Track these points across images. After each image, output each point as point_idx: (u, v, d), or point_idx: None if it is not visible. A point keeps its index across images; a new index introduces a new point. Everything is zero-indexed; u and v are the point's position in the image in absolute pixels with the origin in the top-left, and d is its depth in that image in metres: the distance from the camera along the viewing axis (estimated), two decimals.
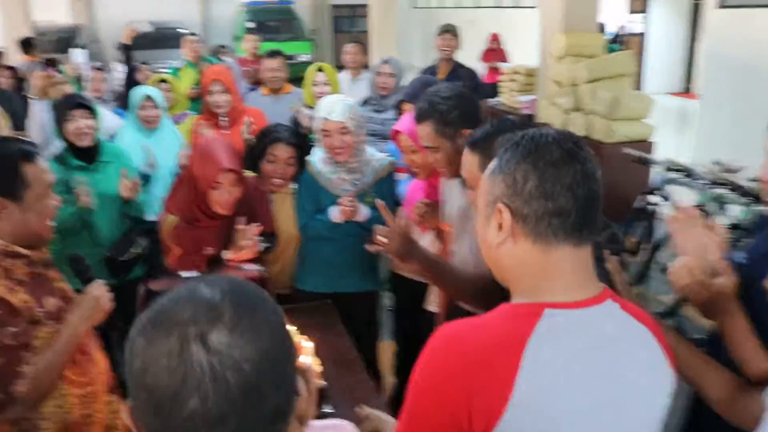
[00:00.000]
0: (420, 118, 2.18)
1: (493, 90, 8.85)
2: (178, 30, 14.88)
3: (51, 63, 3.72)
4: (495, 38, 9.53)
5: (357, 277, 3.04)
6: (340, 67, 5.29)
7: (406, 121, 2.51)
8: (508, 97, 7.63)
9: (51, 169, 2.82)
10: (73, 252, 1.93)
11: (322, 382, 2.12)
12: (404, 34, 16.34)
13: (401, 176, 3.03)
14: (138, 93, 3.75)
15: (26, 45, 7.83)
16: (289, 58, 14.92)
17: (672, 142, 8.17)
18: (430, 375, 1.10)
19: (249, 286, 0.90)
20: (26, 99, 5.10)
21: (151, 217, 3.58)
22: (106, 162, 3.25)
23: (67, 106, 3.13)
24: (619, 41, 14.16)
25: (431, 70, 5.45)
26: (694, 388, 1.53)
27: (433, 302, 2.65)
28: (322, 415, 2.06)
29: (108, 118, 4.14)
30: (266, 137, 2.90)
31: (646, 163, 4.83)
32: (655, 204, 4.81)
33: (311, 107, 3.93)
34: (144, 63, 6.33)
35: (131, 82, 5.24)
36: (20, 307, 1.67)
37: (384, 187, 2.94)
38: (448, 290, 2.18)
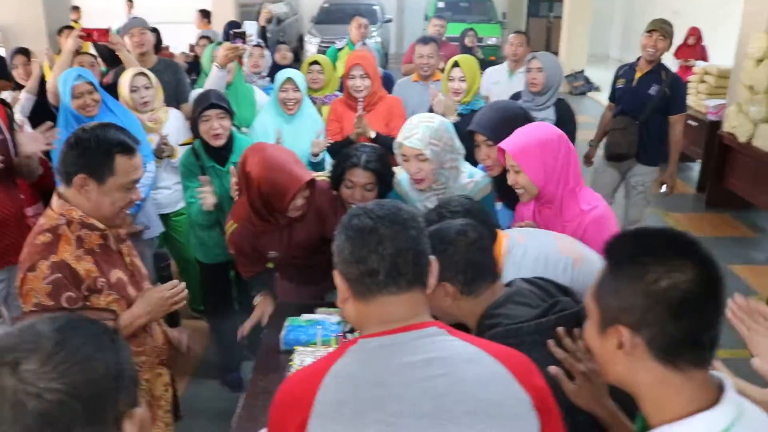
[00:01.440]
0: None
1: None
2: (372, 6, 15.24)
3: (239, 35, 3.88)
4: (694, 33, 8.68)
5: None
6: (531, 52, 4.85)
7: (514, 139, 2.32)
8: (695, 100, 6.91)
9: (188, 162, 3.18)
10: (159, 249, 2.04)
11: None
12: (602, 22, 15.45)
13: (497, 206, 2.85)
14: (281, 75, 3.74)
15: (205, 15, 8.27)
16: (479, 40, 14.75)
17: None
18: None
19: (89, 325, 0.94)
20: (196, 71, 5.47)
21: None
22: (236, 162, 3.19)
23: (202, 106, 3.09)
24: None
25: (631, 68, 4.86)
26: None
27: None
28: None
29: (259, 95, 4.31)
30: (344, 162, 2.67)
31: None
32: None
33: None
34: (282, 42, 6.43)
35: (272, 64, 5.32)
36: (82, 276, 1.82)
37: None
38: None
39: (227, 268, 3.44)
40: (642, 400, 1.14)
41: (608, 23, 16.71)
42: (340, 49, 6.23)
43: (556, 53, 13.57)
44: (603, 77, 11.51)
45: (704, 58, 8.44)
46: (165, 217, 3.80)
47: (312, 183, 2.54)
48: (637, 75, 4.64)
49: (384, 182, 2.69)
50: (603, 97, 6.40)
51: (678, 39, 8.97)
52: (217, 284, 3.51)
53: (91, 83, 3.33)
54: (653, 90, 4.47)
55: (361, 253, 1.23)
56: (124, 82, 3.64)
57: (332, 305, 2.64)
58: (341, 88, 4.44)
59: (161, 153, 3.55)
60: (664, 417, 1.09)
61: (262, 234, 2.64)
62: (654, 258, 1.08)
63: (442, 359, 1.20)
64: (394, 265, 1.22)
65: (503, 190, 2.61)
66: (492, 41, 14.27)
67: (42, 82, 4.29)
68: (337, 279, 1.28)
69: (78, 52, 4.06)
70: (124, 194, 1.88)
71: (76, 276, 1.80)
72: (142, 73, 3.72)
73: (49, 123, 3.02)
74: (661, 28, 4.56)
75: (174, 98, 4.18)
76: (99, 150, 1.81)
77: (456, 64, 3.76)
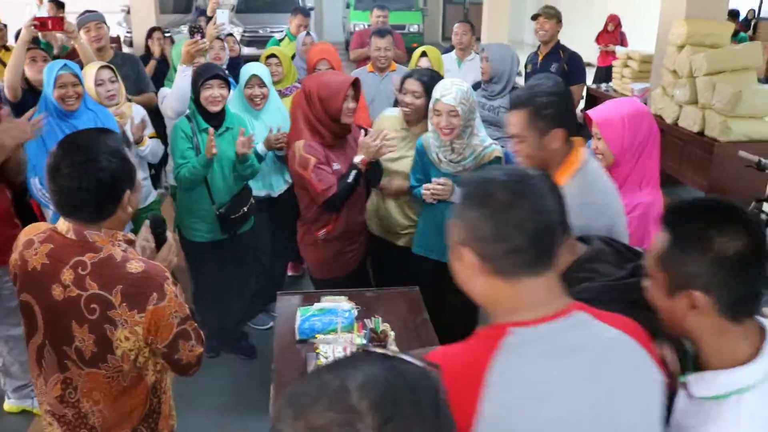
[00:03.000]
0: (515, 105, 2.18)
1: (607, 74, 8.55)
2: None
3: (197, 30, 3.92)
4: (613, 19, 9.15)
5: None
6: (447, 39, 5.24)
7: (601, 109, 2.52)
8: (620, 84, 7.34)
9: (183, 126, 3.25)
10: (155, 214, 2.05)
11: None
12: (517, 9, 15.93)
13: None
14: (246, 72, 3.78)
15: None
16: (401, 28, 14.85)
17: None
18: None
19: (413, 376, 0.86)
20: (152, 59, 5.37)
21: (257, 192, 3.79)
22: (228, 128, 3.51)
23: (206, 75, 3.37)
24: (752, 27, 13.21)
25: (535, 54, 5.35)
26: None
27: None
28: None
29: None
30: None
31: (764, 168, 4.50)
32: None
33: None
34: (230, 34, 6.37)
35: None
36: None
37: None
38: None
39: (213, 247, 3.63)
40: (703, 347, 1.30)
41: (522, 10, 17.24)
42: (280, 41, 6.26)
43: (477, 39, 13.97)
44: (520, 61, 11.93)
45: (623, 43, 8.92)
46: (147, 208, 3.80)
47: (357, 89, 3.02)
48: (540, 58, 5.26)
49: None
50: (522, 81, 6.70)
51: (598, 26, 9.48)
52: (205, 260, 3.67)
53: (76, 75, 3.26)
54: (553, 67, 5.02)
55: (506, 230, 1.17)
56: (89, 75, 3.57)
57: (335, 292, 2.74)
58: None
59: (137, 137, 3.60)
60: (723, 362, 1.27)
61: (326, 146, 3.01)
62: (717, 230, 1.23)
63: (597, 349, 1.19)
64: (540, 242, 1.18)
65: None
66: (414, 29, 14.51)
67: None
68: (467, 255, 1.20)
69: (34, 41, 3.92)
70: (140, 180, 1.86)
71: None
72: (107, 67, 3.67)
73: (33, 110, 2.95)
74: (545, 12, 5.23)
75: (135, 91, 4.11)
76: (122, 161, 1.71)
77: (424, 54, 3.90)
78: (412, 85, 3.29)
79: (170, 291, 1.70)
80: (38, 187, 3.09)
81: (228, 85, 3.47)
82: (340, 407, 0.77)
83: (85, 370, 1.74)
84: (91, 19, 4.27)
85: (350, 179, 2.98)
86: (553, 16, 5.19)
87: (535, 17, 5.27)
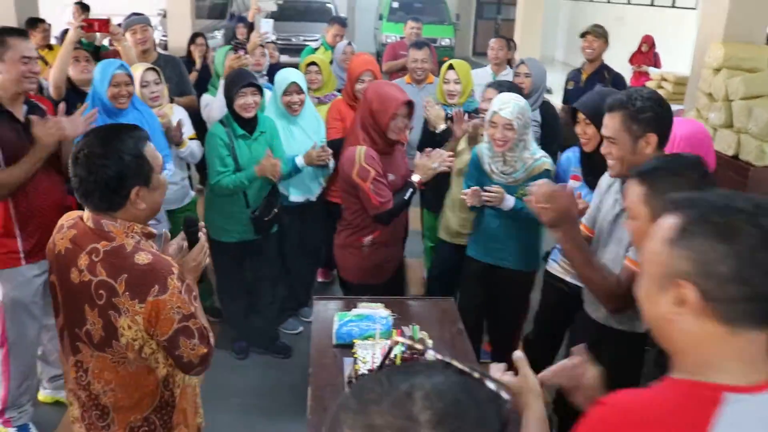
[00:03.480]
0: (611, 107, 2.19)
1: None
2: (326, 5, 15.28)
3: (240, 45, 4.09)
4: (647, 40, 9.11)
5: (514, 255, 3.29)
6: (478, 54, 5.30)
7: None
8: None
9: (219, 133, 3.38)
10: (189, 215, 2.09)
11: None
12: (550, 27, 15.94)
13: (575, 184, 3.09)
14: (284, 79, 3.81)
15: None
16: (433, 41, 14.98)
17: None
18: None
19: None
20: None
21: (296, 199, 3.89)
22: (262, 132, 3.61)
23: (240, 83, 3.46)
24: None
25: (578, 71, 5.37)
26: None
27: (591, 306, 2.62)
28: None
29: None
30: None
31: None
32: None
33: (442, 104, 4.00)
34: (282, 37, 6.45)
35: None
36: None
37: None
38: (581, 275, 2.23)
39: (243, 247, 3.71)
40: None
41: (554, 27, 17.24)
42: (315, 49, 6.33)
43: (510, 62, 13.98)
44: (550, 79, 11.92)
45: (657, 64, 8.88)
46: (170, 213, 3.84)
47: (411, 109, 3.08)
48: (583, 77, 5.30)
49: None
50: (552, 98, 6.66)
51: (631, 46, 9.45)
52: (233, 260, 3.76)
53: (129, 76, 3.35)
54: (597, 87, 4.88)
55: (750, 273, 1.01)
56: (135, 76, 3.63)
57: (371, 299, 2.77)
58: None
59: (172, 139, 3.68)
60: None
61: (382, 155, 3.04)
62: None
63: None
64: None
65: (588, 168, 2.95)
66: (445, 42, 14.56)
67: None
68: (686, 292, 1.05)
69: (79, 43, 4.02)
70: (161, 177, 1.89)
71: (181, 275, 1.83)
72: (152, 69, 3.76)
73: (84, 107, 3.03)
74: (594, 30, 5.22)
75: (177, 93, 4.20)
76: (134, 159, 1.76)
77: (451, 67, 3.93)
78: (490, 93, 3.47)
79: (173, 286, 1.73)
80: None
81: (261, 92, 3.58)
82: (401, 413, 0.76)
83: (94, 354, 1.81)
84: (138, 22, 4.38)
85: (406, 197, 3.04)
86: (601, 35, 5.21)
87: (583, 35, 5.27)
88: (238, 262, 3.80)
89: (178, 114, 3.86)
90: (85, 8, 6.38)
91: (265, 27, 4.60)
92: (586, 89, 4.94)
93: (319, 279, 4.88)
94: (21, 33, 2.88)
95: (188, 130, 3.82)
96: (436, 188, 3.77)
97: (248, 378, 3.76)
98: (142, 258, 1.73)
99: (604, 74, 5.12)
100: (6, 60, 2.77)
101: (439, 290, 3.73)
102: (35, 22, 5.87)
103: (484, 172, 3.23)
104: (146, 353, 1.81)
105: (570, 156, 3.19)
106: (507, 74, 5.33)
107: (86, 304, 1.76)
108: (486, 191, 3.09)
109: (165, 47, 10.48)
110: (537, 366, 1.51)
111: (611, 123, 2.17)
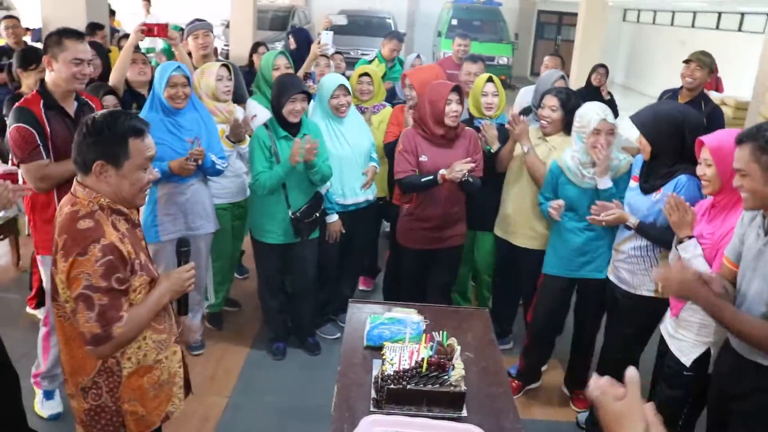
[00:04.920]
0: (741, 139, 2.16)
1: None
2: (386, 20, 15.47)
3: (308, 75, 4.36)
4: None
5: (603, 263, 3.33)
6: (536, 74, 5.26)
7: (714, 136, 2.54)
8: None
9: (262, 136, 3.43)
10: (182, 236, 2.21)
11: (462, 387, 2.18)
12: (610, 49, 15.73)
13: (633, 184, 3.10)
14: (332, 81, 3.92)
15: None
16: (490, 59, 14.90)
17: None
18: None
19: None
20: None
21: (340, 200, 3.96)
22: (305, 135, 3.66)
23: (293, 90, 3.58)
24: None
25: (674, 94, 4.98)
26: None
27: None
28: (457, 419, 2.13)
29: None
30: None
31: None
32: None
33: (475, 117, 4.02)
34: (338, 51, 6.57)
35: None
36: (126, 257, 1.92)
37: (621, 184, 3.25)
38: (733, 331, 2.21)
39: (283, 250, 3.82)
40: None
41: (615, 50, 17.02)
42: (370, 61, 6.41)
43: (567, 75, 13.86)
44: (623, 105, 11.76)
45: (719, 89, 8.65)
46: (234, 205, 4.08)
47: (461, 94, 3.51)
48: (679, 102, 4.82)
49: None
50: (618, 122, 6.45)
51: None
52: (274, 262, 3.88)
53: (186, 77, 3.49)
54: None
55: None
56: (211, 71, 3.86)
57: (405, 305, 2.79)
58: (387, 98, 4.64)
59: (238, 135, 3.86)
60: None
61: (423, 140, 3.57)
62: None
63: None
64: None
65: (645, 175, 3.01)
66: (503, 61, 14.53)
67: None
68: None
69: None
70: (142, 174, 1.98)
71: (123, 258, 1.89)
72: (226, 66, 3.96)
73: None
74: (698, 59, 4.78)
75: (233, 99, 4.32)
76: (114, 137, 1.91)
77: (490, 79, 3.95)
78: (550, 100, 3.60)
79: (93, 253, 1.83)
80: None
81: (309, 99, 3.73)
82: None
83: (52, 305, 1.99)
84: (201, 27, 4.55)
85: (422, 181, 3.51)
86: (707, 65, 4.79)
87: (686, 61, 4.84)
88: (278, 263, 3.89)
89: (239, 114, 4.03)
90: (111, 12, 6.52)
91: (325, 39, 4.74)
92: None
93: (361, 287, 4.92)
94: (77, 35, 3.00)
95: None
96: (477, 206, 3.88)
97: (283, 378, 3.81)
98: (84, 223, 1.87)
99: (700, 104, 4.72)
100: (60, 60, 2.92)
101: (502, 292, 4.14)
102: (95, 28, 6.14)
103: (568, 181, 3.32)
104: None
105: (637, 159, 3.19)
106: None
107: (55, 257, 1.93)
108: (601, 208, 3.07)
109: (227, 56, 10.79)
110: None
111: (741, 155, 2.14)
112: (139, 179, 1.98)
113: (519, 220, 3.74)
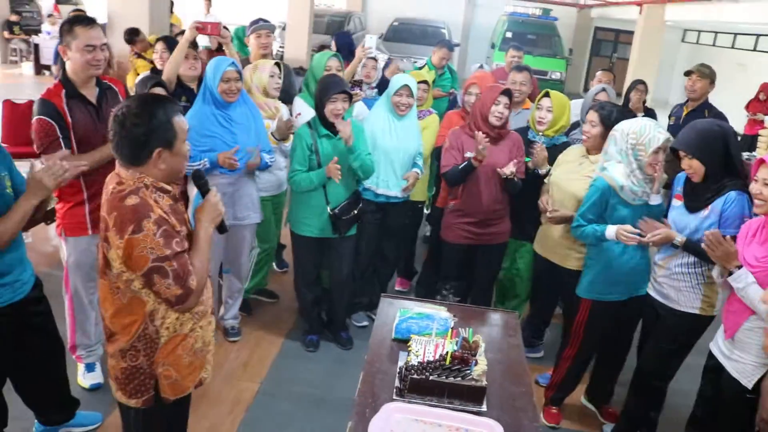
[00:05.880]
0: None
1: (752, 143, 8.21)
2: (441, 29, 15.55)
3: (358, 84, 4.53)
4: (765, 89, 8.74)
5: (642, 282, 3.32)
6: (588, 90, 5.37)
7: None
8: (764, 154, 6.98)
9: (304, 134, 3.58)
10: (196, 169, 2.27)
11: (483, 382, 2.24)
12: (664, 69, 15.49)
13: (677, 202, 3.11)
14: (400, 80, 4.08)
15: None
16: (543, 74, 14.78)
17: None
18: None
19: None
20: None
21: (372, 187, 4.09)
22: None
23: (334, 90, 3.68)
24: None
25: (680, 107, 5.38)
26: None
27: None
28: (477, 413, 2.19)
29: (357, 106, 4.58)
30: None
31: None
32: None
33: (530, 129, 4.06)
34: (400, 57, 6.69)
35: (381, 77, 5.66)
36: (173, 227, 2.03)
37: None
38: None
39: (321, 243, 3.93)
40: None
41: (670, 70, 16.74)
42: (420, 68, 6.51)
43: (619, 93, 13.71)
44: (661, 122, 11.60)
45: None
46: (273, 197, 4.29)
47: (510, 97, 3.79)
48: (684, 113, 5.31)
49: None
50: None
51: (749, 93, 9.08)
52: (310, 254, 3.99)
53: (239, 72, 3.64)
54: None
55: None
56: (266, 68, 4.06)
57: (437, 302, 2.86)
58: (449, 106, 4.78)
59: (283, 134, 4.03)
60: None
61: (469, 138, 3.79)
62: None
63: None
64: None
65: (690, 195, 3.03)
66: (556, 76, 14.45)
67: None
68: None
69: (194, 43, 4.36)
70: (185, 146, 2.10)
71: (174, 227, 2.02)
72: (278, 64, 4.13)
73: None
74: (698, 70, 5.22)
75: (284, 98, 4.47)
76: (161, 121, 2.00)
77: (546, 94, 3.96)
78: (591, 115, 3.54)
79: (149, 228, 1.94)
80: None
81: (350, 99, 3.83)
82: None
83: (102, 279, 2.10)
84: (264, 27, 4.72)
85: (459, 168, 3.75)
86: (707, 76, 5.20)
87: (688, 73, 5.28)
88: (315, 257, 4.00)
89: (284, 111, 4.19)
90: (135, 32, 6.71)
91: (369, 42, 4.88)
92: (684, 126, 4.90)
93: (397, 288, 5.00)
94: (87, 21, 3.07)
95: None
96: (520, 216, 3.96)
97: (314, 370, 3.91)
98: (131, 200, 1.97)
99: (704, 112, 5.08)
100: (73, 47, 3.02)
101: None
102: (135, 33, 6.38)
103: (621, 201, 3.15)
104: (136, 287, 2.04)
105: (679, 177, 3.19)
106: None
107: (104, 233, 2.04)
108: (647, 227, 3.05)
109: (281, 58, 11.02)
110: None
111: None
112: (187, 151, 2.11)
113: (561, 242, 3.63)
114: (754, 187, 2.54)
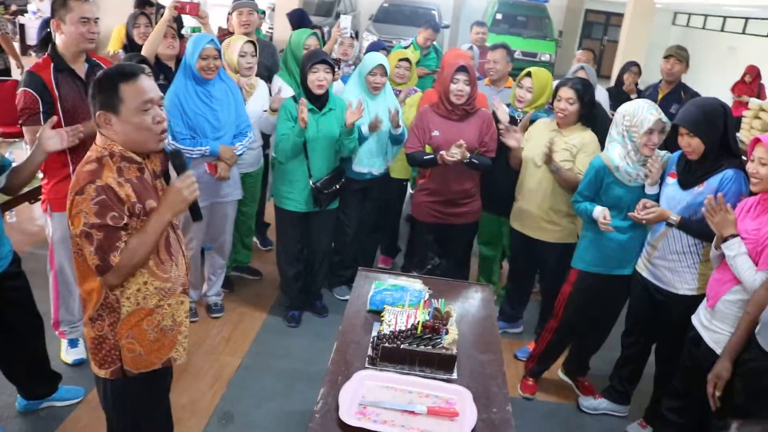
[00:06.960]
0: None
1: (737, 125, 8.26)
2: (431, 11, 15.48)
3: (336, 62, 4.51)
4: (751, 71, 8.78)
5: (632, 261, 3.34)
6: None
7: None
8: (747, 135, 7.04)
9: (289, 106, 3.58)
10: (175, 148, 2.26)
11: (454, 351, 2.28)
12: (656, 52, 15.49)
13: (671, 180, 3.12)
14: (373, 59, 4.09)
15: None
16: (532, 56, 14.72)
17: None
18: None
19: None
20: None
21: (360, 169, 4.12)
22: (331, 109, 3.83)
23: (314, 60, 3.70)
24: None
25: (654, 89, 5.37)
26: None
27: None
28: (447, 380, 2.23)
29: (335, 84, 4.56)
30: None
31: None
32: None
33: (510, 106, 4.09)
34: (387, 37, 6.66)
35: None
36: (124, 199, 2.01)
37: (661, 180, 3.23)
38: None
39: (303, 218, 3.99)
40: None
41: (660, 54, 16.74)
42: (405, 48, 6.51)
43: (608, 76, 13.74)
44: None
45: (761, 96, 8.54)
46: (247, 175, 4.25)
47: (470, 74, 3.66)
48: (660, 96, 5.28)
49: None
50: None
51: (735, 75, 9.12)
52: (293, 228, 4.02)
53: (218, 50, 3.64)
54: (674, 108, 4.95)
55: None
56: (236, 46, 4.00)
57: (413, 276, 2.90)
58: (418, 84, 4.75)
59: (274, 107, 4.06)
60: None
61: (437, 116, 3.76)
62: None
63: None
64: None
65: (685, 173, 3.02)
66: (545, 57, 14.42)
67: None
68: None
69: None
70: (144, 116, 2.03)
71: (118, 198, 1.99)
72: (251, 42, 4.08)
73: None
74: (677, 53, 5.25)
75: (267, 77, 4.47)
76: (105, 86, 2.00)
77: (528, 74, 3.98)
78: (567, 92, 3.53)
79: (89, 193, 1.95)
80: (170, 141, 3.44)
81: (333, 71, 3.81)
82: None
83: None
84: (245, 5, 4.64)
85: (424, 159, 3.74)
86: (684, 59, 5.26)
87: (666, 56, 5.28)
88: (297, 231, 4.04)
89: (261, 87, 4.21)
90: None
91: (344, 23, 4.92)
92: (661, 109, 4.93)
93: (380, 265, 5.04)
94: None
95: (266, 104, 4.19)
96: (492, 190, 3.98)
97: (295, 345, 3.96)
98: (89, 166, 2.00)
99: (680, 94, 5.14)
100: (67, 21, 3.03)
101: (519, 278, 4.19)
102: (144, 4, 6.28)
103: (616, 180, 3.21)
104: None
105: (672, 156, 3.20)
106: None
107: None
108: (642, 206, 3.06)
109: (271, 39, 10.96)
110: None
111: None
112: (142, 122, 2.03)
113: (539, 215, 3.70)
114: (750, 166, 2.58)
